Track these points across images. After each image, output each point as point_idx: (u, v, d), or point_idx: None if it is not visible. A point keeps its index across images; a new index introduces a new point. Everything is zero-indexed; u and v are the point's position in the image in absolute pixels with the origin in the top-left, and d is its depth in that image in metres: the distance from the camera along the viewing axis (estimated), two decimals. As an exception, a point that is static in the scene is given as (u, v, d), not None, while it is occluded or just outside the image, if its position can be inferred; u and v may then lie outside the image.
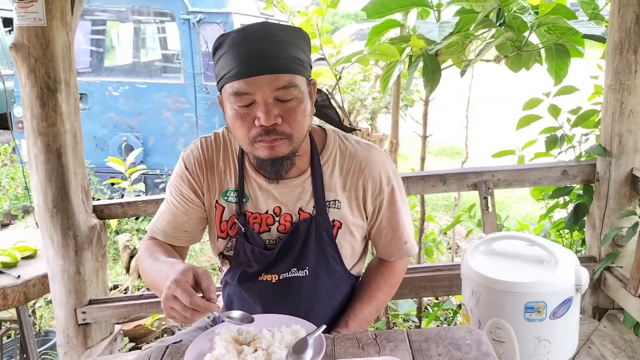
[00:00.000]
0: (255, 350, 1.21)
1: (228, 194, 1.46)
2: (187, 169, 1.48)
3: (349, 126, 1.61)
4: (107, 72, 5.60)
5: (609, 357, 1.83)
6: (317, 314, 1.48)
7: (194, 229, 1.53)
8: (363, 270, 1.66)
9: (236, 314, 1.24)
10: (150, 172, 5.07)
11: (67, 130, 2.07)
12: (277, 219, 1.44)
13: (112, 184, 4.58)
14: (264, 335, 1.25)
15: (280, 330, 1.27)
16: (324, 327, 1.28)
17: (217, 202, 1.47)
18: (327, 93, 1.64)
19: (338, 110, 1.81)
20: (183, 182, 1.48)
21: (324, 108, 1.59)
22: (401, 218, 1.52)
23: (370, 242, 1.61)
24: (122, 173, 3.93)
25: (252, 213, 1.45)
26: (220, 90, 1.33)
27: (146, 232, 1.56)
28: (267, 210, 1.44)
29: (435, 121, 3.38)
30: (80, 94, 2.25)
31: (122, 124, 5.27)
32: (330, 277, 1.49)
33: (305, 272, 1.45)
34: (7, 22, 6.91)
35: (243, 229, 1.44)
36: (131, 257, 3.82)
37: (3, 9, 6.70)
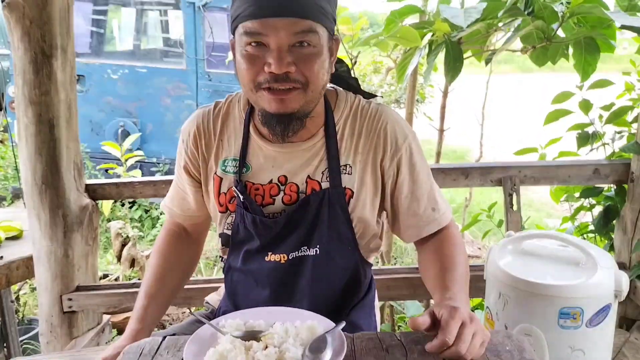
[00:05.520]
0: (266, 347, 1.04)
1: (226, 164, 1.33)
2: (183, 141, 1.39)
3: (369, 92, 1.44)
4: (107, 55, 5.42)
5: (644, 371, 1.68)
6: (328, 298, 1.33)
7: (198, 206, 1.42)
8: (372, 258, 1.45)
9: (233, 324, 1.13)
10: (146, 160, 4.89)
11: (62, 101, 1.91)
12: (282, 188, 1.29)
13: (107, 170, 4.40)
14: (276, 330, 1.09)
15: (295, 326, 1.11)
16: (344, 324, 1.13)
17: (215, 173, 1.35)
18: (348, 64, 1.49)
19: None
20: (180, 156, 1.40)
21: (347, 78, 1.44)
22: (424, 182, 1.32)
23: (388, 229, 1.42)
24: (118, 159, 3.77)
25: (254, 184, 1.31)
26: (233, 33, 1.19)
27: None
28: (271, 180, 1.30)
29: (434, 120, 3.25)
30: (77, 75, 2.09)
31: (120, 108, 5.09)
32: (342, 258, 1.33)
33: (316, 250, 1.30)
34: None
35: (241, 197, 1.29)
36: (123, 245, 3.64)
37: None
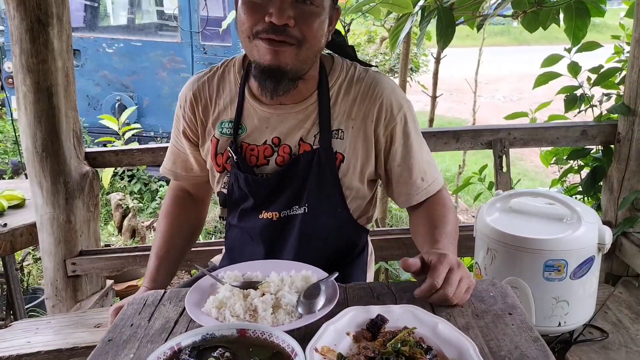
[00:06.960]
0: (263, 295, 1.10)
1: (223, 126, 1.37)
2: (180, 107, 1.43)
3: (366, 62, 1.48)
4: (102, 29, 5.41)
5: (626, 322, 1.75)
6: (317, 255, 1.36)
7: (201, 167, 1.48)
8: (371, 224, 1.52)
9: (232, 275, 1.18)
10: (144, 134, 4.93)
11: (59, 69, 1.94)
12: (275, 149, 1.33)
13: (105, 144, 4.45)
14: (273, 279, 1.15)
15: (290, 275, 1.17)
16: (337, 274, 1.18)
17: (213, 136, 1.39)
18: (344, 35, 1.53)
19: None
20: (179, 119, 1.44)
21: (344, 47, 1.48)
22: (417, 152, 1.35)
23: (381, 195, 1.48)
24: (116, 133, 3.81)
25: (249, 144, 1.35)
26: None
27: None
28: (266, 141, 1.33)
29: (428, 89, 3.27)
30: (73, 50, 2.11)
31: (116, 82, 5.10)
32: (330, 219, 1.37)
33: (305, 208, 1.34)
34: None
35: (235, 157, 1.34)
36: (123, 216, 3.70)
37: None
